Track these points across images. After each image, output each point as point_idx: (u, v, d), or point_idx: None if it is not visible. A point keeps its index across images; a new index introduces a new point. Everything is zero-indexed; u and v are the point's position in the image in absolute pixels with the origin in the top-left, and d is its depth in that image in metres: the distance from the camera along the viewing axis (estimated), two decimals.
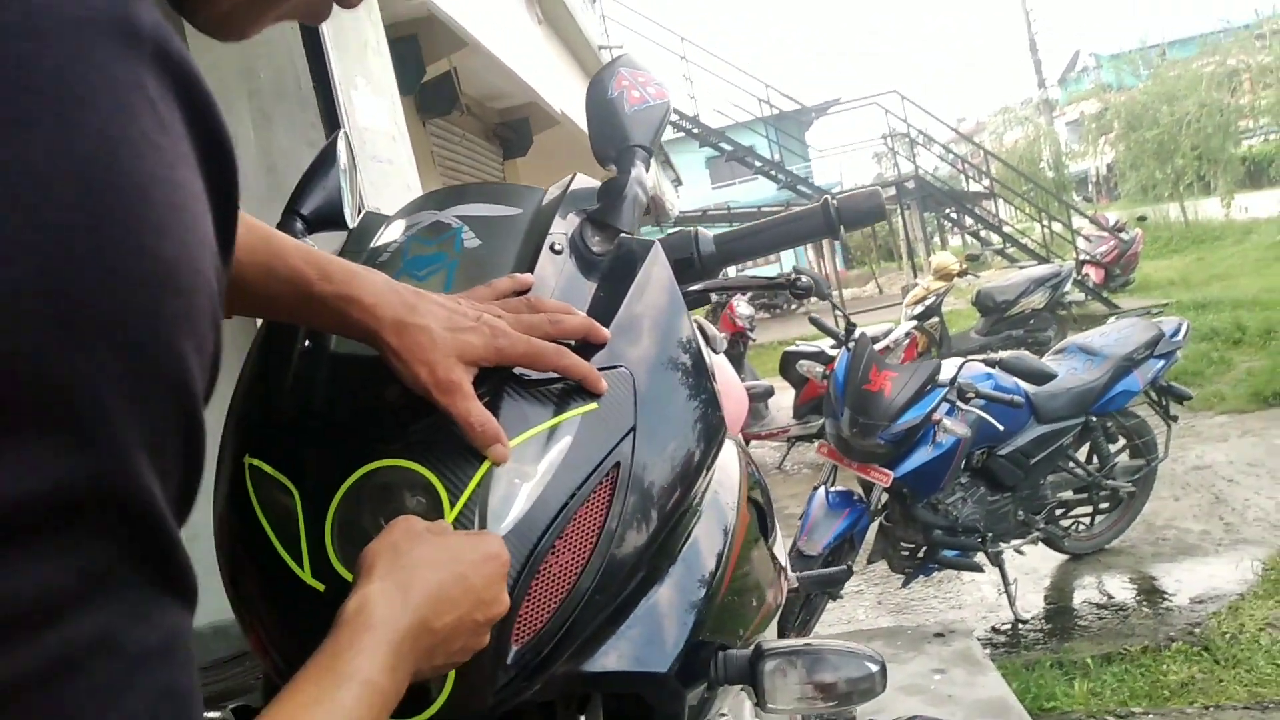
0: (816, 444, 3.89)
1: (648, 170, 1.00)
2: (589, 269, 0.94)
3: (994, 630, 3.96)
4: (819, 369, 3.91)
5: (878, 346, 4.37)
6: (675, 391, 0.87)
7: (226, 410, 0.95)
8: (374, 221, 1.07)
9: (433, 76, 5.69)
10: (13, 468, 0.31)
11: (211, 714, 0.91)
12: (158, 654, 0.36)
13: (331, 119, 2.70)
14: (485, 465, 0.76)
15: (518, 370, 0.82)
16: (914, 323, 7.28)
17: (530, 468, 0.78)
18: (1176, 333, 4.30)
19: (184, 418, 0.37)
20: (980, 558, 3.87)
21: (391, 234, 1.00)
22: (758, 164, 14.63)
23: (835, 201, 1.00)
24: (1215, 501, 4.89)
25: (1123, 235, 12.70)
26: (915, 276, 13.04)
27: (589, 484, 0.78)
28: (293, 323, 0.89)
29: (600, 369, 0.83)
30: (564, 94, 7.35)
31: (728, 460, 1.09)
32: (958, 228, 17.23)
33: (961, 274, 8.58)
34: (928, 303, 8.04)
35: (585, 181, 1.05)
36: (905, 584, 4.07)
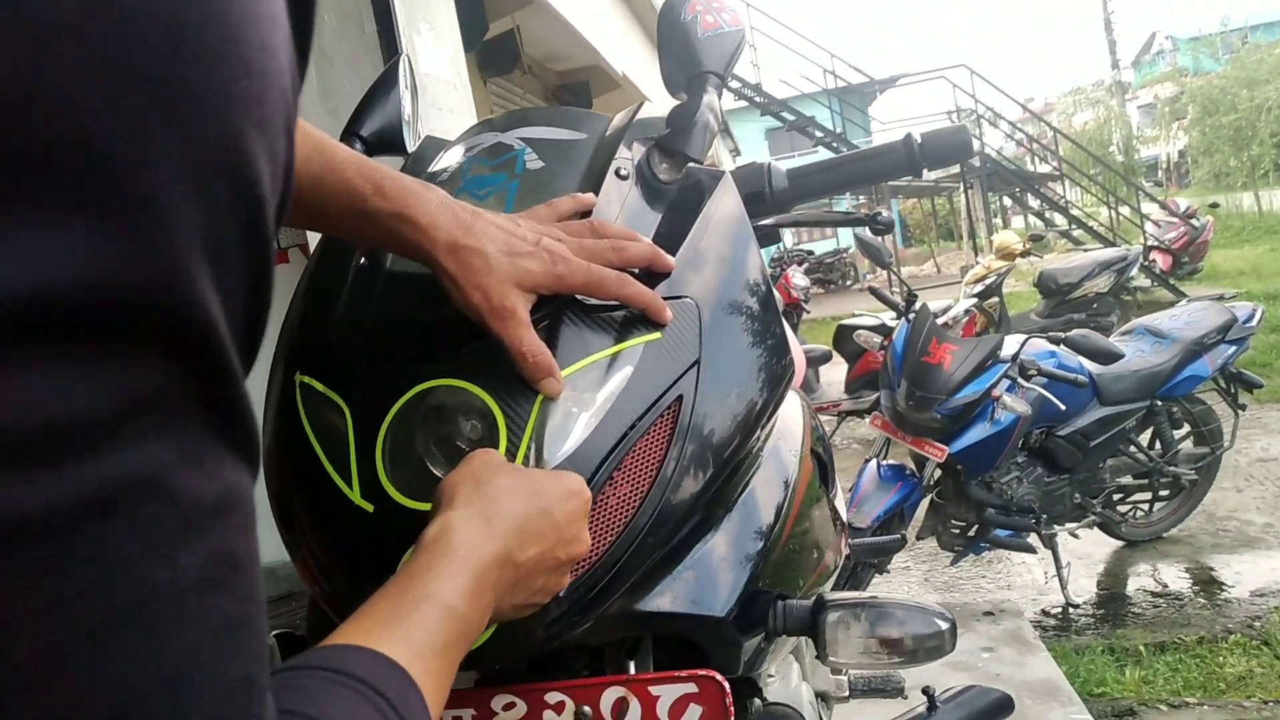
0: (869, 418, 3.82)
1: (720, 99, 0.95)
2: (655, 197, 0.90)
3: (1043, 613, 3.88)
4: (876, 339, 3.83)
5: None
6: (743, 328, 0.83)
7: (280, 327, 0.92)
8: (433, 145, 1.04)
9: (495, 34, 5.65)
10: (44, 249, 0.26)
11: None
12: (214, 511, 0.32)
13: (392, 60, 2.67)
14: None
15: (578, 295, 0.78)
16: (973, 300, 7.13)
17: (589, 395, 0.74)
18: (1250, 318, 4.14)
19: (250, 230, 0.33)
20: (1033, 539, 3.78)
21: (451, 157, 0.97)
22: (819, 135, 14.41)
23: (919, 137, 0.95)
24: None
25: (1193, 222, 12.33)
26: (976, 257, 12.78)
27: (649, 416, 0.75)
28: (346, 238, 0.85)
29: (664, 298, 0.79)
30: (627, 56, 7.28)
31: (791, 410, 1.05)
32: (1022, 208, 16.87)
33: (1024, 254, 8.40)
34: (988, 282, 7.88)
35: (653, 110, 1.00)
36: (954, 562, 4.00)
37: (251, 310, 0.35)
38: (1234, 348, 4.07)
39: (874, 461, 3.71)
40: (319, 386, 0.78)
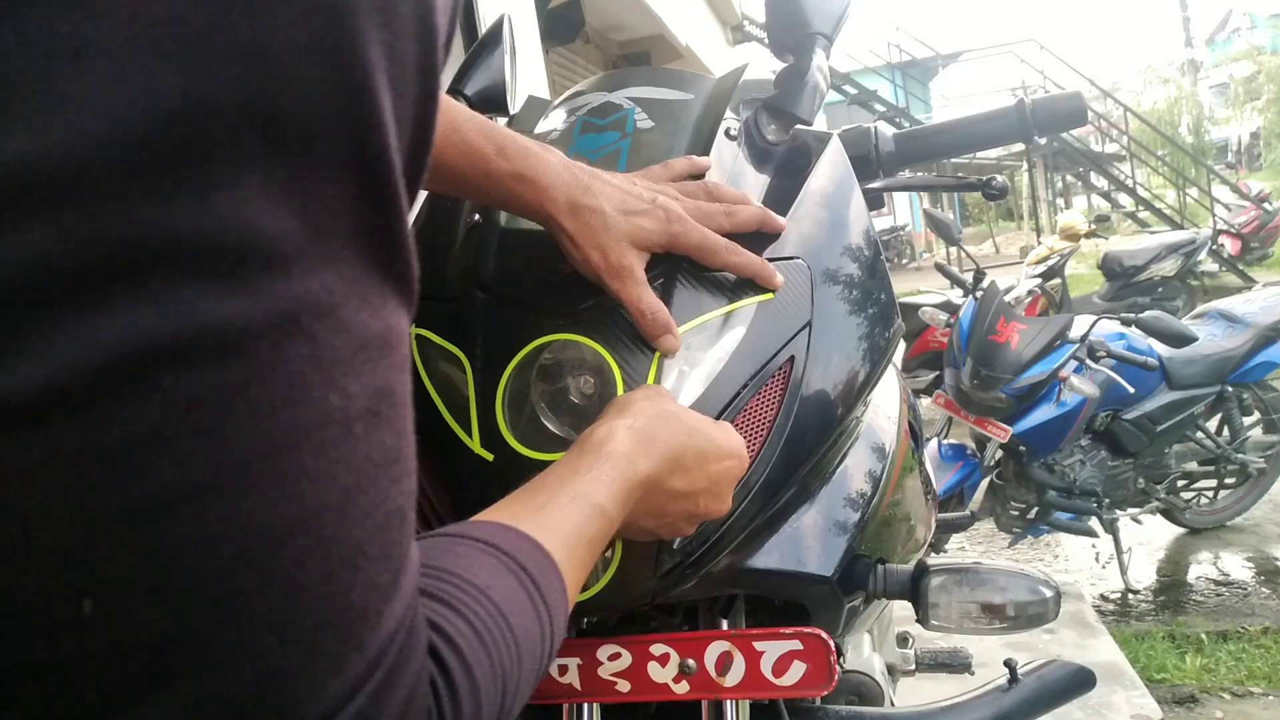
0: (931, 397, 3.78)
1: (827, 59, 0.95)
2: (763, 158, 0.90)
3: (1102, 598, 3.84)
4: (942, 317, 3.78)
5: None
6: (852, 291, 0.83)
7: None
8: (537, 105, 1.04)
9: (559, 3, 5.64)
10: (253, 58, 0.28)
11: None
12: (379, 346, 0.34)
13: (469, 28, 2.69)
14: None
15: None
16: (1036, 281, 7.02)
17: (702, 354, 0.75)
18: None
19: (424, 59, 0.34)
20: (1094, 523, 3.73)
21: (558, 116, 0.97)
22: (880, 109, 14.21)
23: (1031, 103, 0.93)
24: None
25: (1266, 206, 11.99)
26: (1039, 238, 12.55)
27: (761, 375, 0.75)
28: (461, 196, 0.86)
29: (775, 259, 0.79)
30: (691, 27, 7.24)
31: (888, 378, 1.04)
32: (1086, 188, 16.53)
33: (1089, 235, 8.23)
34: (1050, 263, 7.74)
35: (758, 72, 1.00)
36: (1012, 544, 3.96)
37: (417, 145, 0.36)
38: None
39: (935, 440, 3.68)
40: (436, 339, 0.79)
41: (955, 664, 1.81)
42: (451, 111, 0.77)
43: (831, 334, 0.79)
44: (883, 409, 0.98)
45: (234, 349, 0.29)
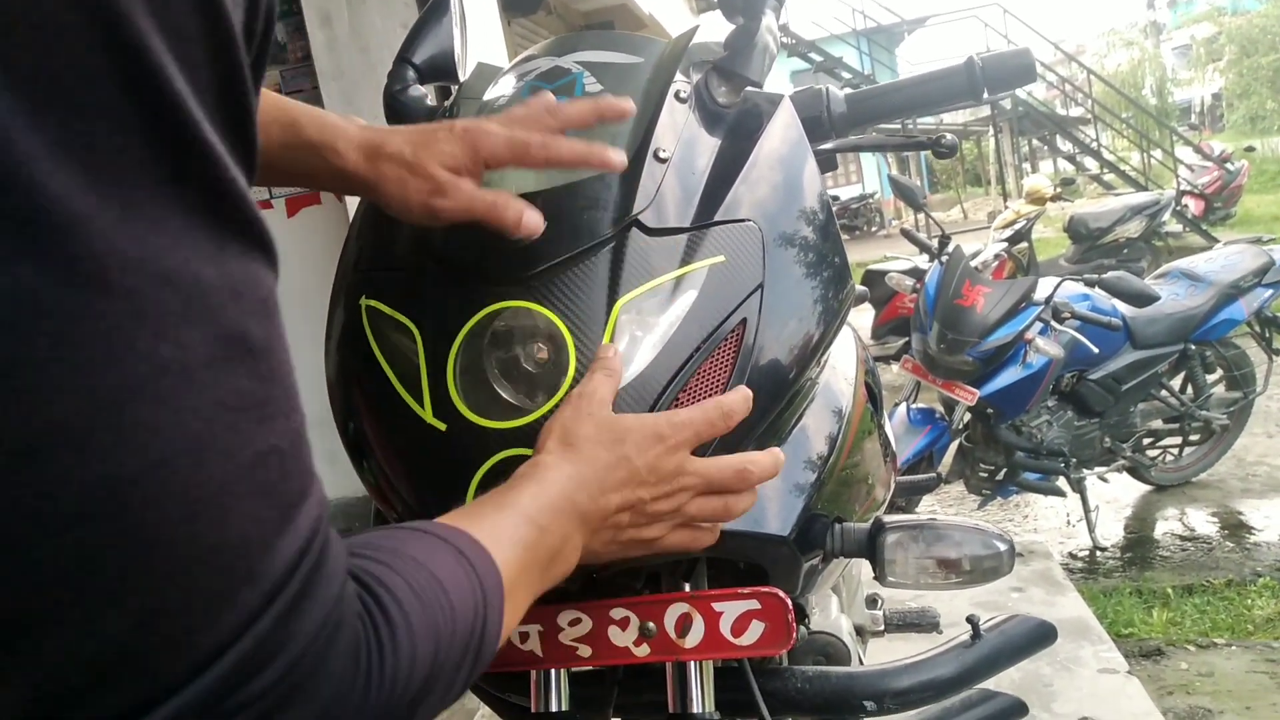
0: (898, 363, 3.81)
1: (778, 20, 0.94)
2: (714, 121, 0.89)
3: (1071, 556, 3.90)
4: (909, 282, 3.80)
5: None
6: (804, 253, 0.83)
7: (339, 257, 0.93)
8: (487, 72, 1.03)
9: None
10: None
11: None
12: (220, 292, 0.35)
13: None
14: (614, 313, 0.73)
15: (642, 219, 0.78)
16: (1003, 245, 7.06)
17: (654, 319, 0.75)
18: None
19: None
20: (1062, 483, 3.78)
21: (506, 83, 0.96)
22: (846, 77, 14.19)
23: (980, 60, 0.93)
24: None
25: (1228, 166, 12.11)
26: (1005, 203, 12.61)
27: (714, 338, 0.75)
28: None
29: (726, 221, 0.79)
30: None
31: (844, 340, 1.05)
32: (1052, 152, 16.61)
33: (1055, 199, 8.28)
34: (1017, 226, 7.78)
35: (708, 34, 0.99)
36: (981, 505, 4.01)
37: (227, 85, 0.36)
38: (1271, 291, 4.02)
39: (904, 405, 3.71)
40: (386, 309, 0.79)
41: (924, 624, 1.83)
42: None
43: (784, 296, 0.79)
44: (839, 370, 0.98)
45: (39, 313, 0.30)
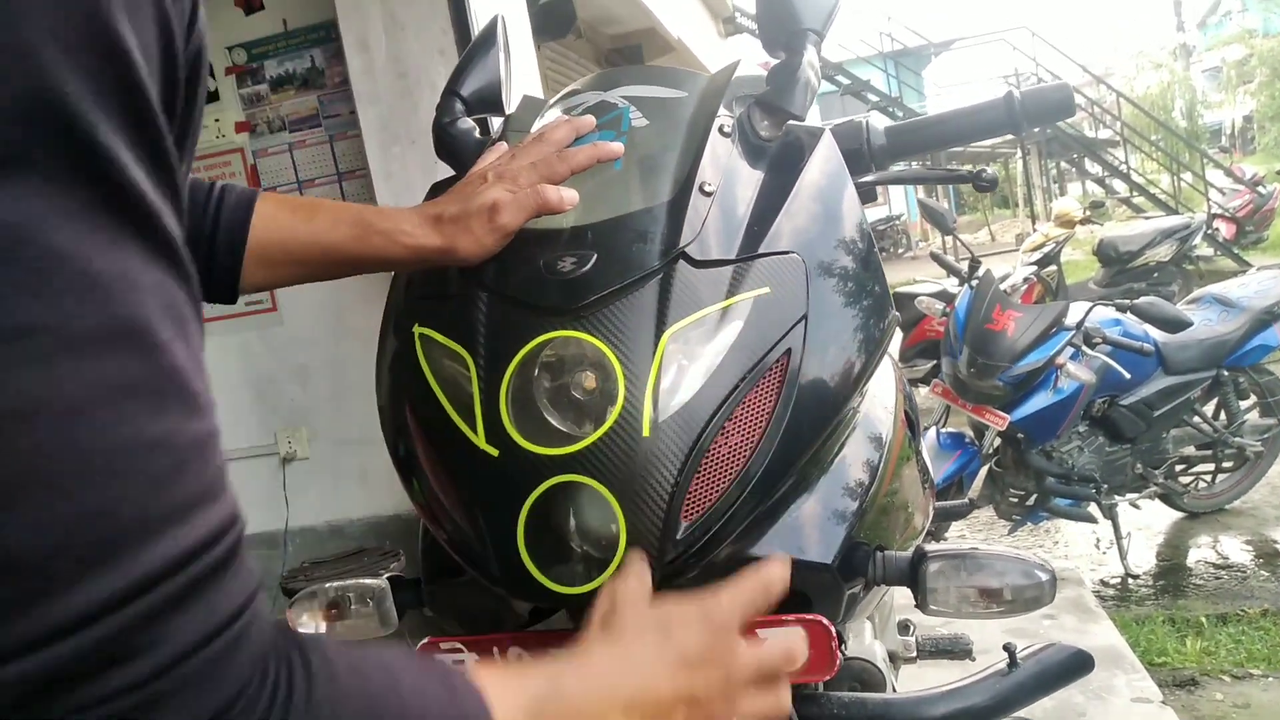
0: (927, 386, 3.81)
1: (819, 57, 0.96)
2: (756, 155, 0.91)
3: (1102, 583, 3.86)
4: (939, 306, 3.79)
5: None
6: (847, 284, 0.84)
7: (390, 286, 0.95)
8: (533, 105, 1.05)
9: None
10: None
11: (369, 580, 0.93)
12: (114, 279, 0.36)
13: (461, 26, 2.69)
14: (662, 344, 0.75)
15: (688, 251, 0.79)
16: (1032, 268, 7.03)
17: (700, 348, 0.76)
18: None
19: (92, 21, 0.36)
20: (1093, 509, 3.75)
21: (554, 115, 0.98)
22: (874, 99, 14.21)
23: (1019, 94, 0.95)
24: None
25: (1260, 189, 12.00)
26: (1033, 225, 12.56)
27: (759, 367, 0.76)
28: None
29: (770, 254, 0.81)
30: (683, 20, 7.23)
31: (883, 367, 1.06)
32: (1081, 174, 16.53)
33: (1084, 222, 8.25)
34: (1046, 250, 7.76)
35: (750, 69, 1.01)
36: (1011, 531, 3.98)
37: (136, 118, 0.38)
38: None
39: (933, 429, 3.70)
40: (439, 338, 0.81)
41: (956, 650, 1.82)
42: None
43: (827, 326, 0.80)
44: (879, 399, 0.99)
45: None
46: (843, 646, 1.03)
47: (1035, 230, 9.32)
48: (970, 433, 3.73)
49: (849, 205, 0.88)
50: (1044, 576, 0.83)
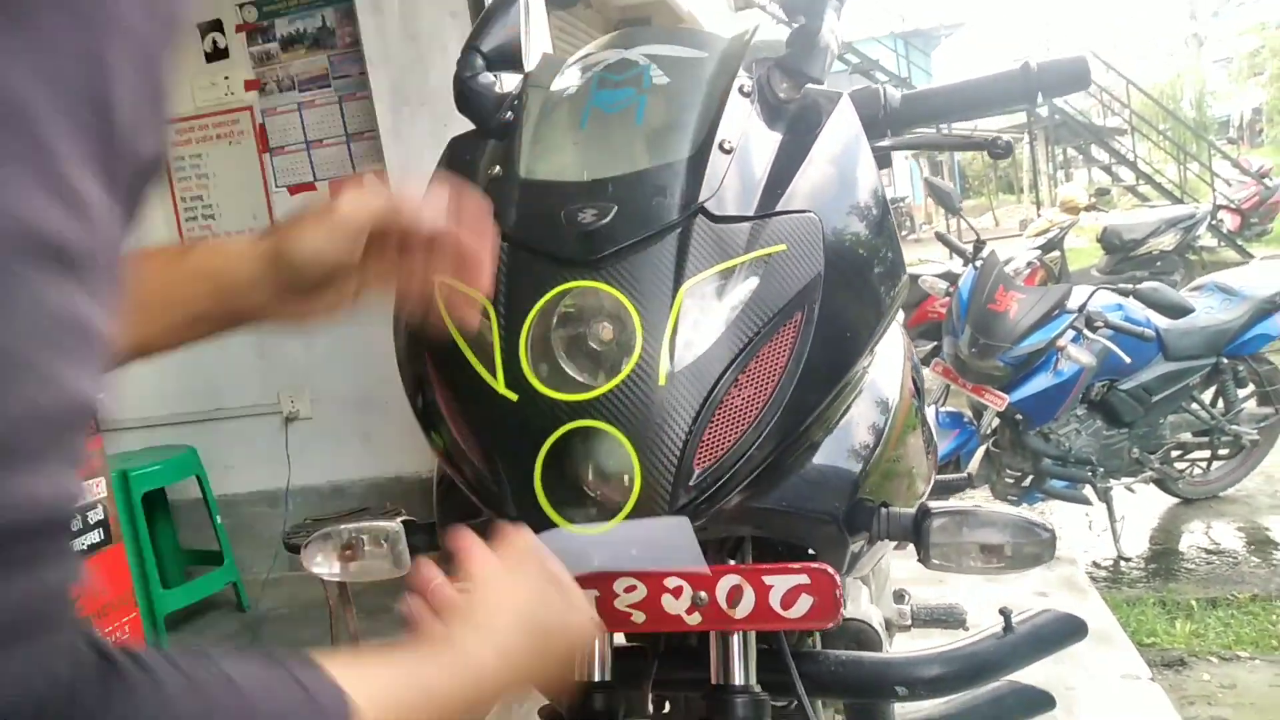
0: (929, 366, 3.82)
1: (839, 20, 0.97)
2: (775, 116, 0.92)
3: (1095, 564, 3.89)
4: (942, 285, 3.81)
5: None
6: (861, 245, 0.86)
7: None
8: (552, 63, 1.06)
9: None
10: None
11: (383, 522, 0.95)
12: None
13: None
14: (680, 296, 0.76)
15: (708, 207, 0.81)
16: (1036, 252, 7.04)
17: (717, 302, 0.78)
18: None
19: None
20: (1088, 491, 3.79)
21: (574, 73, 0.99)
22: (882, 78, 14.15)
23: (1035, 64, 0.96)
24: None
25: (1266, 182, 12.00)
26: (1038, 211, 12.54)
27: (774, 323, 0.78)
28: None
29: (787, 212, 0.82)
30: None
31: (892, 333, 1.07)
32: (1087, 161, 16.49)
33: (1089, 209, 8.26)
34: (1050, 235, 7.76)
35: (769, 32, 1.02)
36: None
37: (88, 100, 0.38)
38: None
39: (932, 408, 3.72)
40: (460, 286, 0.82)
41: (951, 620, 1.85)
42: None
43: (842, 285, 0.82)
44: (888, 362, 1.01)
45: None
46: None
47: (1040, 216, 9.32)
48: (969, 412, 3.75)
49: (865, 168, 0.90)
50: (1044, 535, 0.85)
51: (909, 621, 1.79)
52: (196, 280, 0.74)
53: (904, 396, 1.02)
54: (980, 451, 3.79)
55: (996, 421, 3.71)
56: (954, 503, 0.88)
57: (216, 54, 3.25)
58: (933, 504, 0.88)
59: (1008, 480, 3.85)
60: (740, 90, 0.91)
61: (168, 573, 3.40)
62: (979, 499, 4.38)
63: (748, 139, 0.87)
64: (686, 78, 0.93)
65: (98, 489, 2.40)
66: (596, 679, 0.96)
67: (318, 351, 3.49)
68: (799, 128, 0.91)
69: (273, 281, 0.74)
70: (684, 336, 0.76)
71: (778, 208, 0.82)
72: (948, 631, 1.80)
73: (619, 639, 1.03)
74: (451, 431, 0.82)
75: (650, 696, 1.09)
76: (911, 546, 0.92)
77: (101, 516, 2.40)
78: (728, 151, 0.84)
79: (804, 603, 0.80)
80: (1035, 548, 0.85)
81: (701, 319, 0.77)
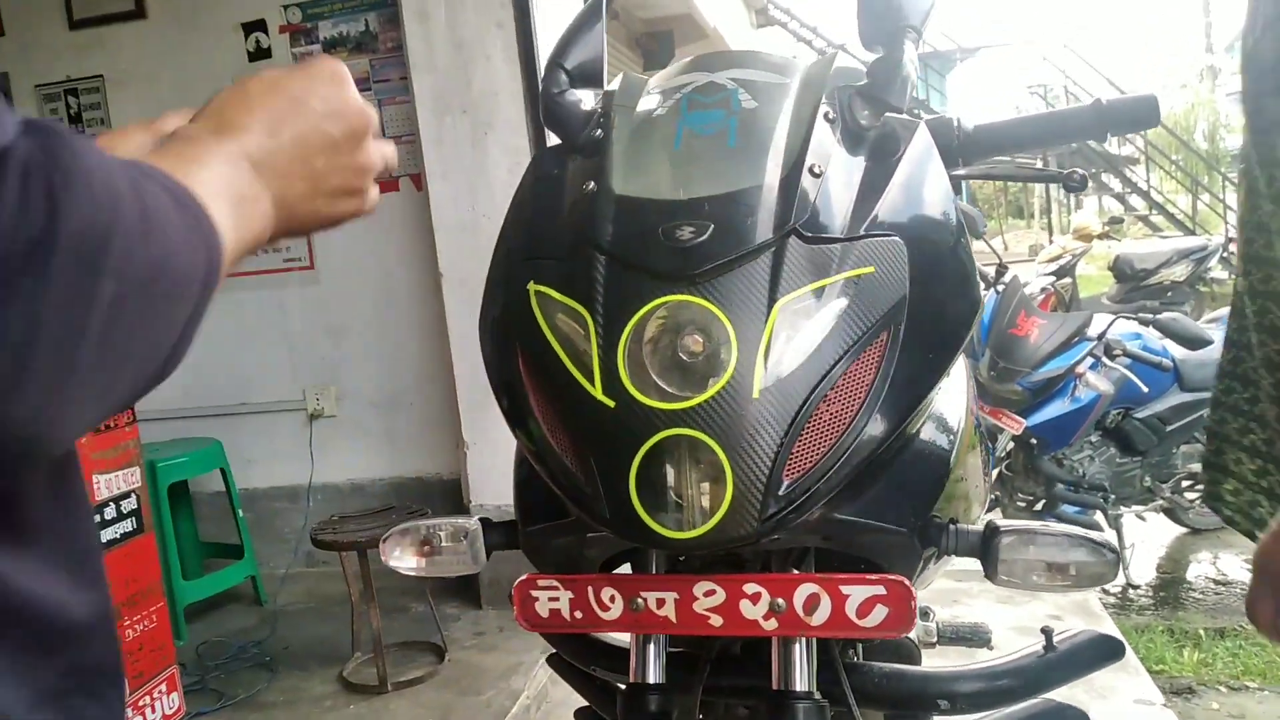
0: None
1: (917, 50, 1.00)
2: (856, 142, 0.96)
3: (1104, 591, 3.91)
4: None
5: None
6: (943, 268, 0.89)
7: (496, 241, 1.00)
8: (635, 83, 1.10)
9: None
10: None
11: (462, 519, 0.98)
12: None
13: (520, 1, 2.74)
14: (774, 313, 0.80)
15: (800, 228, 0.84)
16: (1049, 279, 7.08)
17: (809, 320, 0.81)
18: None
19: None
20: (1099, 518, 3.81)
21: (658, 95, 1.03)
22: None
23: (1106, 101, 0.99)
24: None
25: None
26: (1050, 238, 12.58)
27: (862, 341, 0.81)
28: None
29: (873, 236, 0.86)
30: (718, 8, 7.24)
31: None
32: (1100, 189, 16.55)
33: (1102, 236, 8.27)
34: (1063, 261, 7.79)
35: (848, 60, 1.06)
36: None
37: None
38: None
39: None
40: (556, 295, 0.86)
41: (976, 639, 1.88)
42: None
43: (925, 308, 0.85)
44: (954, 384, 1.04)
45: None
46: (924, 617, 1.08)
47: (1052, 242, 9.36)
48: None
49: (945, 194, 0.93)
50: (1110, 555, 0.88)
51: (934, 639, 1.82)
52: None
53: (967, 417, 1.06)
54: (994, 474, 3.82)
55: (1011, 445, 3.73)
56: (1022, 521, 0.92)
57: (259, 54, 3.30)
58: (1001, 522, 0.91)
59: (1019, 504, 3.88)
60: (825, 117, 0.94)
61: (187, 564, 3.43)
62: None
63: (834, 164, 0.90)
64: (772, 103, 0.96)
65: (132, 479, 2.43)
66: (651, 680, 0.99)
67: (347, 350, 3.53)
68: (879, 154, 0.95)
69: None
70: (777, 352, 0.79)
71: (864, 231, 0.86)
72: (970, 650, 1.83)
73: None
74: (544, 433, 0.85)
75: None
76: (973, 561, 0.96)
77: (135, 506, 2.42)
78: (817, 175, 0.88)
79: (879, 613, 0.83)
80: (1100, 567, 0.88)
81: (794, 335, 0.80)
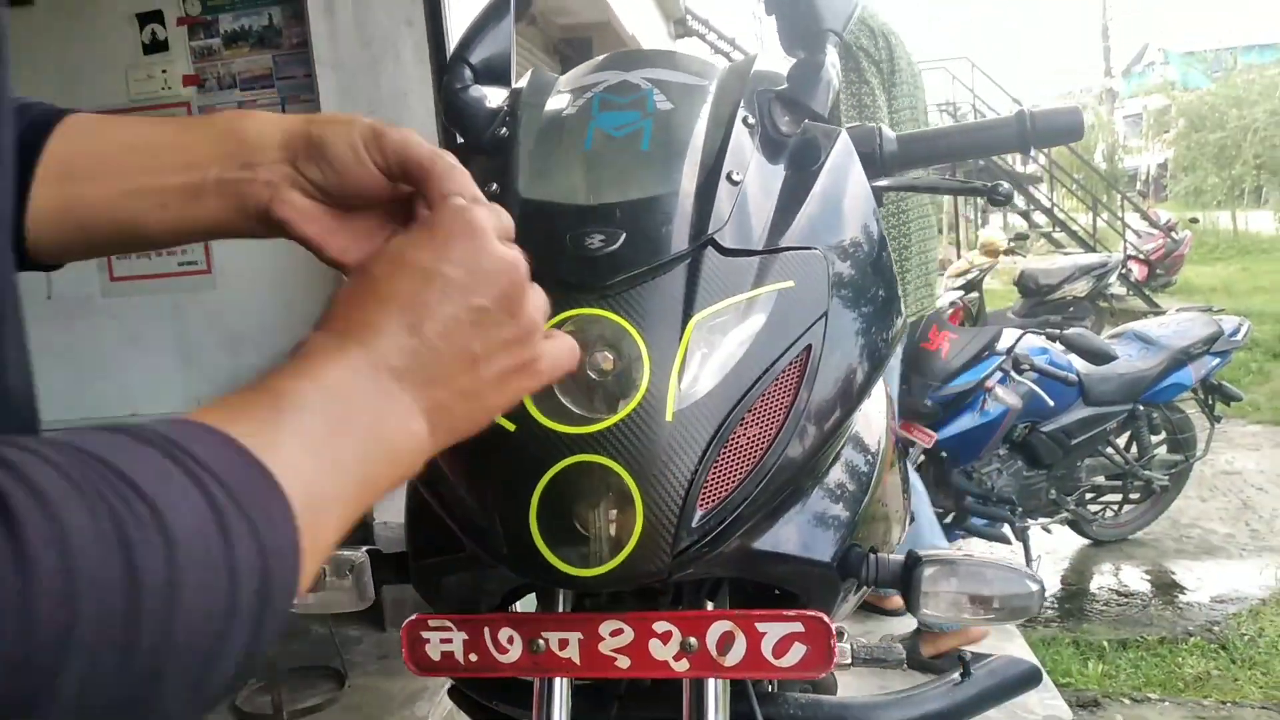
0: None
1: (839, 59, 0.96)
2: (776, 149, 0.91)
3: None
4: None
5: None
6: (863, 283, 0.84)
7: None
8: (544, 80, 1.03)
9: None
10: None
11: (347, 551, 0.90)
12: None
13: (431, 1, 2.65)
14: (689, 329, 0.74)
15: (717, 238, 0.79)
16: (957, 293, 7.22)
17: (725, 337, 0.76)
18: (1236, 332, 4.23)
19: None
20: (1007, 530, 3.86)
21: (569, 94, 0.97)
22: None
23: (1030, 114, 0.96)
24: (1243, 507, 4.87)
25: (1173, 235, 12.53)
26: (958, 253, 12.86)
27: (781, 361, 0.76)
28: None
29: (792, 249, 0.81)
30: (636, 17, 7.22)
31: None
32: (1004, 207, 17.03)
33: (1008, 252, 8.49)
34: (970, 276, 7.95)
35: (767, 64, 1.01)
36: None
37: None
38: (1218, 360, 4.16)
39: None
40: None
41: (889, 659, 1.85)
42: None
43: (845, 324, 0.81)
44: (873, 404, 1.00)
45: None
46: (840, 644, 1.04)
47: (960, 257, 9.56)
48: None
49: (866, 206, 0.89)
50: (1034, 586, 0.84)
51: (849, 660, 1.79)
52: (221, 140, 0.62)
53: (887, 436, 1.02)
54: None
55: (922, 458, 3.76)
56: (942, 550, 0.87)
57: (155, 45, 3.14)
58: (922, 551, 0.86)
59: None
60: (744, 121, 0.89)
61: None
62: None
63: (753, 171, 0.85)
64: (690, 105, 0.91)
65: None
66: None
67: (247, 360, 3.37)
68: (799, 162, 0.90)
69: (289, 161, 0.61)
70: (691, 371, 0.74)
71: (783, 243, 0.81)
72: (887, 670, 1.81)
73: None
74: (437, 459, 0.78)
75: None
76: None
77: None
78: (735, 183, 0.82)
79: (796, 651, 0.78)
80: (1024, 600, 0.84)
81: (710, 353, 0.75)
